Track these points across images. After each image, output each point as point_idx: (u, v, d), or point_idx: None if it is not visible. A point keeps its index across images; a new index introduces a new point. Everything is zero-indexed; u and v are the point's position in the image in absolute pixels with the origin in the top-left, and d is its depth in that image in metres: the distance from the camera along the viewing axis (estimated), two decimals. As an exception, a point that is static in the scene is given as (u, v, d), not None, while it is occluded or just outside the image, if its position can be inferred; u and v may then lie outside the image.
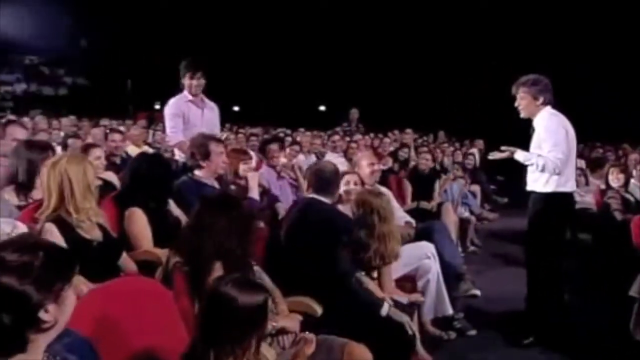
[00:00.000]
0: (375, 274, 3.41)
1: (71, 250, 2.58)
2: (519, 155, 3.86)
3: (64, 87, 21.61)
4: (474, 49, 15.97)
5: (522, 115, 3.90)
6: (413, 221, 4.69)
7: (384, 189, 4.97)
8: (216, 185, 3.72)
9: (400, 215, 4.71)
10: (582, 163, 8.87)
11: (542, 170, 3.72)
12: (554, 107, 3.89)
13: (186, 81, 4.49)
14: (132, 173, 3.34)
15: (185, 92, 4.52)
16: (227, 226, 2.34)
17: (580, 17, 14.54)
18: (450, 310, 3.88)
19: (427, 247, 3.95)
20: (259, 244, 2.98)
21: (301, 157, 6.95)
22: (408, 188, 5.98)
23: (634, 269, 3.86)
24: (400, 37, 17.21)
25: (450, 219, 5.64)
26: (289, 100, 18.69)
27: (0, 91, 20.32)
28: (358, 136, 7.94)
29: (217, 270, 2.28)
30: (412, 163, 6.94)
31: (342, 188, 4.12)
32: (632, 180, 5.64)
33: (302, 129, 10.39)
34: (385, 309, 2.95)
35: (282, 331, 2.44)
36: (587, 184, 6.51)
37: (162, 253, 2.77)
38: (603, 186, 6.24)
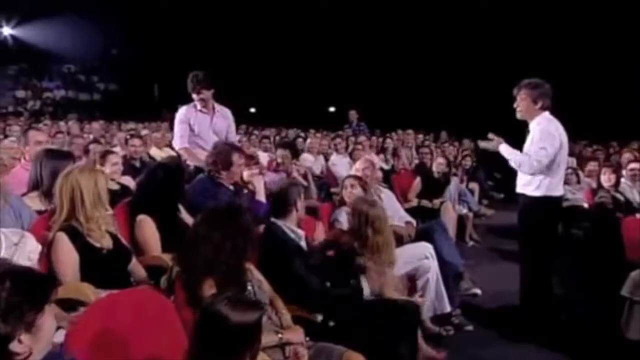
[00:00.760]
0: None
1: (82, 258, 2.50)
2: (503, 148, 3.70)
3: (97, 93, 21.63)
4: (477, 51, 15.61)
5: (519, 116, 3.68)
6: (414, 221, 4.51)
7: (384, 189, 4.82)
8: (230, 186, 3.57)
9: (401, 215, 4.54)
10: (573, 161, 8.60)
11: (518, 167, 3.58)
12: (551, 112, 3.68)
13: (194, 95, 4.33)
14: (147, 180, 3.19)
15: (195, 102, 4.36)
16: (220, 241, 2.16)
17: (568, 16, 14.17)
18: (448, 308, 3.70)
19: (425, 248, 3.77)
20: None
21: (310, 157, 6.77)
22: (417, 187, 5.78)
23: (625, 269, 3.67)
24: (406, 39, 16.90)
25: (450, 216, 5.46)
26: (301, 101, 18.48)
27: (43, 97, 20.40)
28: (362, 137, 7.71)
29: (209, 285, 2.11)
30: (415, 162, 6.73)
31: (344, 191, 3.98)
32: (623, 180, 5.36)
33: (312, 130, 10.22)
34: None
35: (287, 343, 2.27)
36: (578, 182, 6.25)
37: (169, 258, 2.61)
38: (594, 185, 6.01)
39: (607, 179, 5.35)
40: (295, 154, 5.09)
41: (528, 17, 14.68)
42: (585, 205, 5.87)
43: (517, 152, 3.65)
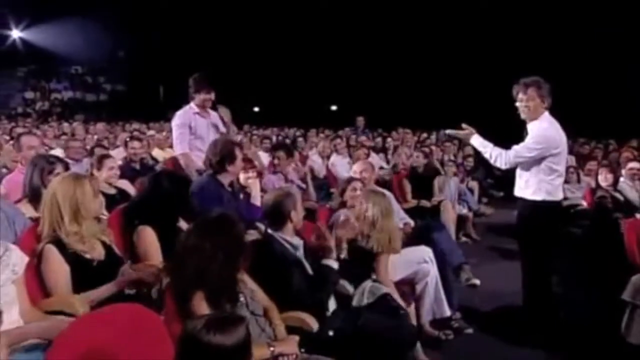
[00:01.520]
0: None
1: (71, 271, 2.37)
2: (475, 140, 3.54)
3: (104, 94, 21.57)
4: (479, 50, 15.42)
5: (523, 116, 3.43)
6: (411, 222, 4.38)
7: (383, 190, 4.68)
8: (229, 189, 3.45)
9: (401, 217, 4.41)
10: (572, 159, 8.44)
11: (494, 161, 3.43)
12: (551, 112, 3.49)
13: (201, 96, 4.19)
14: (150, 189, 3.03)
15: (192, 104, 4.22)
16: (211, 252, 2.02)
17: (568, 16, 13.97)
18: (448, 312, 3.56)
19: (425, 252, 3.62)
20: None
21: (318, 159, 6.64)
22: (407, 187, 5.64)
23: (626, 271, 3.54)
24: (408, 38, 16.71)
25: (449, 216, 5.33)
26: (303, 100, 18.34)
27: (51, 98, 20.36)
28: (363, 137, 7.56)
29: (199, 297, 1.99)
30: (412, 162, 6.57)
31: (349, 194, 3.85)
32: (622, 179, 5.22)
33: (313, 130, 10.09)
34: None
35: (281, 355, 2.15)
36: (579, 181, 6.10)
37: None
38: (593, 184, 5.87)
39: (603, 178, 5.22)
40: (291, 154, 4.93)
41: (528, 17, 14.50)
42: (584, 204, 5.74)
43: (491, 144, 3.50)
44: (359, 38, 17.45)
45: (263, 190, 4.23)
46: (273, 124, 13.52)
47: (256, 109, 21.00)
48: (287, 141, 8.14)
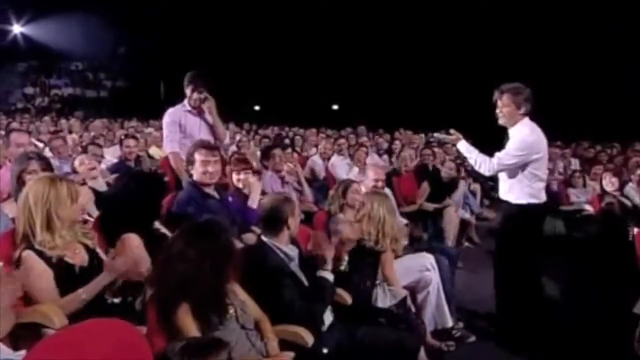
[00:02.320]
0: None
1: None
2: (462, 145, 3.57)
3: (104, 90, 21.38)
4: (480, 52, 15.28)
5: (501, 122, 3.47)
6: (405, 221, 4.26)
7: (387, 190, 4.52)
8: (216, 195, 3.26)
9: (398, 220, 4.22)
10: (576, 163, 8.27)
11: (478, 167, 3.46)
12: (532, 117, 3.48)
13: (194, 95, 4.00)
14: (116, 191, 2.87)
15: (185, 102, 4.04)
16: (196, 260, 1.86)
17: (568, 16, 13.85)
18: (450, 323, 3.41)
19: (426, 259, 3.47)
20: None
21: (319, 161, 6.47)
22: (425, 192, 5.46)
23: (637, 280, 3.39)
24: (412, 39, 16.56)
25: (451, 221, 5.16)
26: (304, 99, 18.17)
27: (50, 94, 20.19)
28: (364, 138, 7.38)
29: (184, 309, 1.83)
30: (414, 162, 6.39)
31: (351, 196, 3.69)
32: (630, 184, 5.06)
33: (313, 129, 9.90)
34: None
35: None
36: (584, 185, 5.94)
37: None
38: (597, 188, 5.72)
39: (608, 182, 5.07)
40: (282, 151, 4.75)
41: (529, 18, 14.37)
42: (589, 208, 5.59)
43: (476, 151, 3.52)
44: (360, 37, 17.30)
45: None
46: (273, 123, 13.34)
47: (257, 108, 20.85)
48: (287, 141, 7.96)
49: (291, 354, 2.09)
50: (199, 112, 4.04)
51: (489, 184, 8.58)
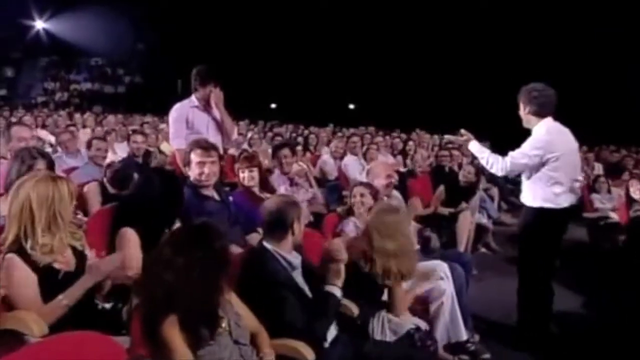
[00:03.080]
0: (385, 295, 2.76)
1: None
2: (473, 146, 3.47)
3: (122, 86, 21.51)
4: (492, 52, 15.00)
5: (524, 125, 3.40)
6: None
7: (396, 195, 4.29)
8: (216, 196, 3.08)
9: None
10: (599, 167, 7.93)
11: (490, 167, 3.37)
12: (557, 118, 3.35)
13: (207, 89, 3.83)
14: (138, 187, 2.70)
15: (193, 97, 3.89)
16: (185, 269, 1.68)
17: (569, 16, 13.57)
18: (464, 336, 3.15)
19: (440, 267, 3.23)
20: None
21: (330, 161, 6.28)
22: (441, 196, 5.21)
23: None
24: (430, 39, 16.35)
25: (465, 227, 4.91)
26: (321, 97, 18.00)
27: (70, 89, 20.39)
28: (379, 138, 7.16)
29: (171, 323, 1.65)
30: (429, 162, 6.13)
31: (352, 200, 3.50)
32: (661, 194, 4.76)
33: (328, 128, 9.71)
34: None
35: None
36: (609, 191, 5.63)
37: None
38: (623, 195, 5.42)
39: (636, 190, 4.81)
40: (294, 152, 4.56)
41: (543, 17, 14.08)
42: (615, 217, 5.30)
43: (488, 151, 3.43)
44: (379, 37, 17.10)
45: (269, 189, 3.91)
46: (289, 121, 13.20)
47: (273, 106, 20.75)
48: (300, 139, 7.78)
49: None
50: (206, 107, 3.89)
51: (509, 187, 8.30)
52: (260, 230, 3.02)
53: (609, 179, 5.89)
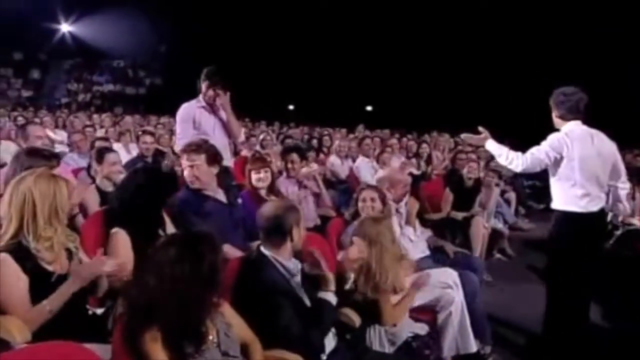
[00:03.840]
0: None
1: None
2: (490, 145, 3.36)
3: (142, 87, 21.72)
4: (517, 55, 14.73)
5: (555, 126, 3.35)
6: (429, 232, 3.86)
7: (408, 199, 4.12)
8: (221, 197, 2.99)
9: (420, 250, 3.69)
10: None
11: (509, 163, 3.27)
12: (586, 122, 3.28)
13: (204, 89, 3.78)
14: (123, 186, 2.65)
15: (200, 97, 3.82)
16: (170, 280, 1.57)
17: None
18: (474, 348, 2.99)
19: (449, 275, 3.08)
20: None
21: (337, 161, 6.16)
22: (449, 199, 5.04)
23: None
24: (446, 40, 16.13)
25: (478, 232, 4.71)
26: (338, 100, 17.87)
27: (92, 90, 20.68)
28: (393, 140, 6.99)
29: (152, 336, 1.54)
30: (443, 166, 5.93)
31: (361, 204, 3.37)
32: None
33: (342, 130, 9.58)
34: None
35: None
36: (633, 197, 5.34)
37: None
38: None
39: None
40: (304, 157, 4.45)
41: (564, 20, 13.82)
42: (637, 223, 5.04)
43: (506, 148, 3.34)
44: (397, 39, 16.92)
45: (275, 192, 3.80)
46: (306, 123, 13.11)
47: (291, 107, 20.71)
48: (314, 142, 7.66)
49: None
50: (213, 108, 3.81)
51: (526, 191, 8.02)
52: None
53: (635, 185, 5.59)
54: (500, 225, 5.47)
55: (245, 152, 6.25)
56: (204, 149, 2.94)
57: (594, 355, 3.36)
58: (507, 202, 6.25)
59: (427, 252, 3.63)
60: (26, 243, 1.97)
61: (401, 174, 4.12)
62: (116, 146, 6.00)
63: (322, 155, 6.89)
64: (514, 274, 5.12)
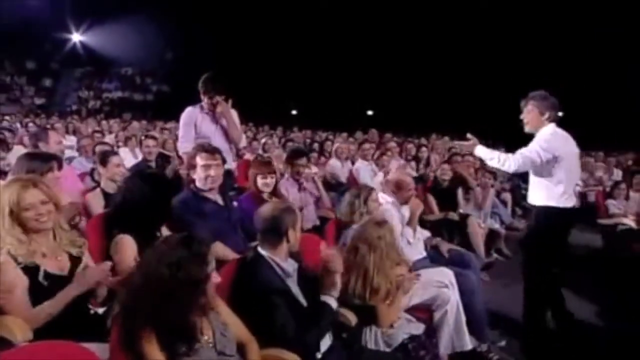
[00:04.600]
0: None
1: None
2: (479, 150, 3.43)
3: (150, 94, 21.81)
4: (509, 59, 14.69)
5: (527, 129, 3.43)
6: (427, 233, 3.81)
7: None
8: (219, 200, 2.98)
9: (419, 251, 3.64)
10: (618, 173, 7.57)
11: (502, 165, 3.31)
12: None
13: (206, 97, 3.75)
14: (123, 191, 2.63)
15: (204, 103, 3.80)
16: (154, 278, 1.56)
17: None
18: (469, 345, 2.96)
19: (445, 274, 3.05)
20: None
21: (337, 164, 6.12)
22: (432, 203, 5.02)
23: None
24: (447, 46, 16.11)
25: (476, 232, 4.69)
26: (340, 104, 17.86)
27: (102, 97, 20.77)
28: (392, 144, 6.96)
29: (147, 335, 1.53)
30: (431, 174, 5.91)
31: (372, 205, 3.34)
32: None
33: (344, 134, 9.56)
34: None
35: None
36: (627, 197, 5.31)
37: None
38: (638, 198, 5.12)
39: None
40: (308, 159, 4.42)
41: (560, 24, 13.75)
42: (631, 223, 5.01)
43: (497, 152, 3.43)
44: (398, 43, 16.91)
45: (277, 195, 3.79)
46: (308, 127, 13.10)
47: (294, 112, 20.72)
48: (315, 145, 7.64)
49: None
50: (214, 114, 3.79)
51: (522, 192, 7.97)
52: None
53: (628, 185, 5.56)
54: (496, 226, 5.43)
55: (248, 156, 6.24)
56: (218, 151, 2.95)
57: (590, 355, 3.33)
58: (504, 202, 6.21)
59: (424, 254, 3.60)
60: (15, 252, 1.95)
61: (408, 177, 4.09)
62: (123, 150, 6.03)
63: (322, 159, 6.87)
64: (511, 273, 5.07)
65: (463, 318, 2.95)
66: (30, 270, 1.96)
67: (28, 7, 18.32)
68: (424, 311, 2.92)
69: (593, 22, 12.97)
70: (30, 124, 8.75)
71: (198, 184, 2.87)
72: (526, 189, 7.97)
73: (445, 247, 3.80)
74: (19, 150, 4.85)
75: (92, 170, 3.96)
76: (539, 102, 3.34)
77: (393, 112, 16.94)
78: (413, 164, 7.06)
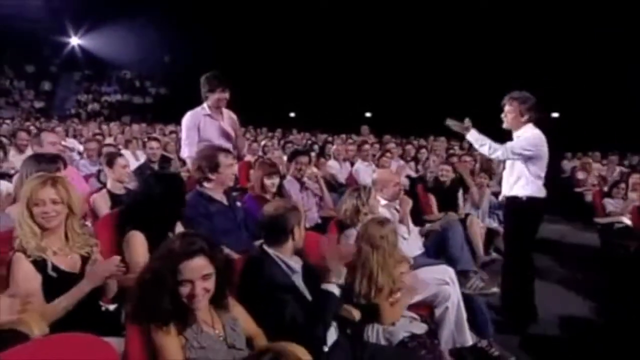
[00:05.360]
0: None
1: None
2: (471, 135, 3.66)
3: (149, 97, 21.83)
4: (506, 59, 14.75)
5: (505, 126, 3.69)
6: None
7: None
8: (224, 200, 3.03)
9: (419, 247, 3.71)
10: (617, 174, 7.64)
11: (491, 152, 3.58)
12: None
13: (215, 95, 3.78)
14: (141, 192, 2.68)
15: (205, 105, 3.83)
16: (152, 270, 1.63)
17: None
18: (470, 341, 3.01)
19: (446, 271, 3.10)
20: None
21: (336, 164, 6.18)
22: (432, 200, 5.08)
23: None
24: (444, 47, 16.16)
25: (476, 230, 4.75)
26: (338, 106, 17.91)
27: (101, 100, 20.78)
28: (392, 145, 7.02)
29: (162, 330, 1.58)
30: (431, 174, 5.96)
31: (373, 202, 3.39)
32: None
33: (342, 135, 9.62)
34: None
35: None
36: (625, 197, 5.37)
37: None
38: (636, 197, 5.19)
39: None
40: (311, 160, 4.48)
41: (559, 25, 13.81)
42: (627, 221, 5.07)
43: (488, 139, 3.61)
44: (396, 45, 16.98)
45: (281, 194, 3.84)
46: (307, 130, 13.16)
47: (292, 115, 20.76)
48: (316, 147, 7.71)
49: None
50: (217, 116, 3.84)
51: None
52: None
53: (627, 185, 5.61)
54: (495, 225, 5.49)
55: (248, 157, 6.29)
56: (231, 152, 3.06)
57: (586, 353, 3.39)
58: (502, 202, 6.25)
59: (423, 249, 3.65)
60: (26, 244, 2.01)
61: (390, 173, 4.14)
62: (124, 153, 6.08)
63: (322, 160, 6.92)
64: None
65: (464, 314, 3.01)
66: (39, 265, 2.02)
67: (27, 11, 18.35)
68: (425, 308, 2.97)
69: (593, 22, 13.00)
70: (32, 128, 8.76)
71: (220, 182, 2.94)
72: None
73: (435, 224, 3.95)
74: (15, 154, 4.90)
75: (99, 172, 4.01)
76: (519, 104, 3.54)
77: (391, 114, 16.99)
78: (412, 164, 7.14)
